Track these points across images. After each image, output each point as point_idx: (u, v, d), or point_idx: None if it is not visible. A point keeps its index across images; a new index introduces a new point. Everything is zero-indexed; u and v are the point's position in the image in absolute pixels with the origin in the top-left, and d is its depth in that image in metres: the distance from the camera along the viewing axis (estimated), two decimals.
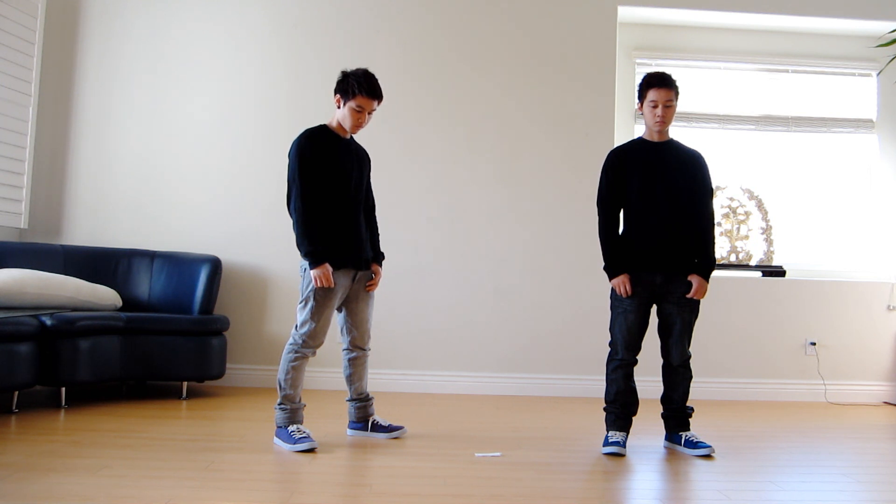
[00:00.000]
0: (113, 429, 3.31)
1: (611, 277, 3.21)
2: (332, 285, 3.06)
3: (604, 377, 3.27)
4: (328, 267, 3.04)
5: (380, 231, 3.41)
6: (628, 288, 3.15)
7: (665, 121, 3.18)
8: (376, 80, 3.14)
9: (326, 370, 4.41)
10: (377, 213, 3.42)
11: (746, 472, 2.95)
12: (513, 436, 3.47)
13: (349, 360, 3.33)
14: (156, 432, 3.29)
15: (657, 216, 3.19)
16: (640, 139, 3.30)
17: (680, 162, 3.24)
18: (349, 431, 3.38)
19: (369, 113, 3.15)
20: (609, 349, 3.27)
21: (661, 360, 3.28)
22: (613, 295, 3.25)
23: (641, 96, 3.21)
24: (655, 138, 3.25)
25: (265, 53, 4.83)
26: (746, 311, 4.83)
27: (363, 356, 3.34)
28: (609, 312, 3.27)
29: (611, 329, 3.26)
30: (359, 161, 3.27)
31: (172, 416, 3.71)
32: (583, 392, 4.61)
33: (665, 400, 3.31)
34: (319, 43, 4.82)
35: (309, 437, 3.04)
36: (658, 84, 3.15)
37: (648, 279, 3.19)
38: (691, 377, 3.29)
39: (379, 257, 3.35)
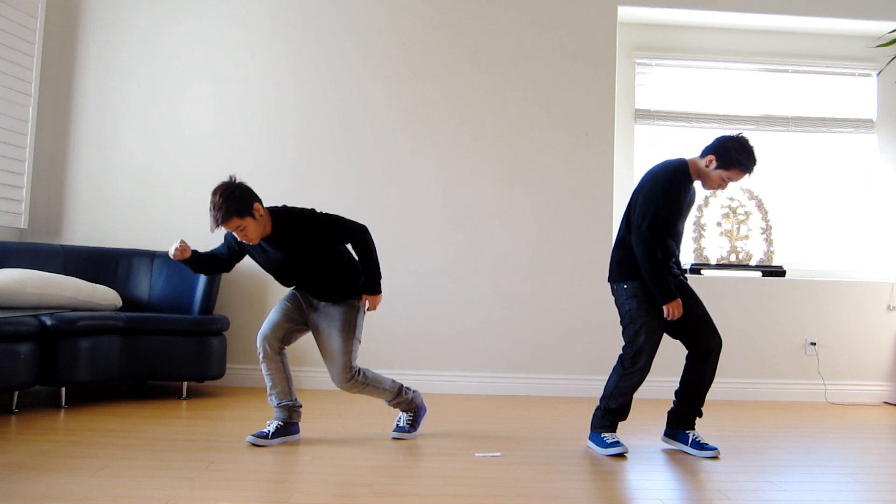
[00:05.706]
0: (113, 429, 3.31)
1: (667, 301, 3.04)
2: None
3: (603, 377, 3.25)
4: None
5: (381, 237, 3.28)
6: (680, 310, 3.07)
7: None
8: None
9: (324, 370, 4.41)
10: (376, 231, 3.26)
11: (746, 472, 2.95)
12: (513, 436, 3.47)
13: None
14: (156, 432, 3.29)
15: (677, 250, 3.22)
16: (689, 170, 3.15)
17: (691, 207, 3.28)
18: None
19: (241, 229, 3.04)
20: (624, 361, 3.15)
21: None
22: (638, 306, 3.11)
23: (725, 163, 3.07)
24: (694, 179, 3.17)
25: (265, 53, 4.82)
26: (746, 311, 4.83)
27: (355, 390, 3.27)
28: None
29: (634, 342, 3.12)
30: (281, 250, 3.11)
31: (172, 416, 3.71)
32: (583, 392, 4.61)
33: (684, 395, 3.24)
34: (320, 41, 4.82)
35: (260, 431, 3.13)
36: (747, 171, 3.09)
37: None
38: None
39: (367, 286, 3.18)
